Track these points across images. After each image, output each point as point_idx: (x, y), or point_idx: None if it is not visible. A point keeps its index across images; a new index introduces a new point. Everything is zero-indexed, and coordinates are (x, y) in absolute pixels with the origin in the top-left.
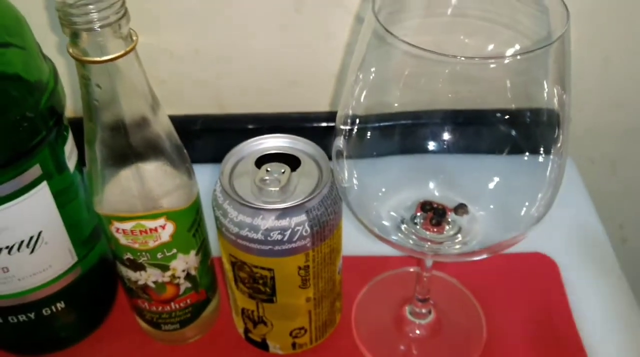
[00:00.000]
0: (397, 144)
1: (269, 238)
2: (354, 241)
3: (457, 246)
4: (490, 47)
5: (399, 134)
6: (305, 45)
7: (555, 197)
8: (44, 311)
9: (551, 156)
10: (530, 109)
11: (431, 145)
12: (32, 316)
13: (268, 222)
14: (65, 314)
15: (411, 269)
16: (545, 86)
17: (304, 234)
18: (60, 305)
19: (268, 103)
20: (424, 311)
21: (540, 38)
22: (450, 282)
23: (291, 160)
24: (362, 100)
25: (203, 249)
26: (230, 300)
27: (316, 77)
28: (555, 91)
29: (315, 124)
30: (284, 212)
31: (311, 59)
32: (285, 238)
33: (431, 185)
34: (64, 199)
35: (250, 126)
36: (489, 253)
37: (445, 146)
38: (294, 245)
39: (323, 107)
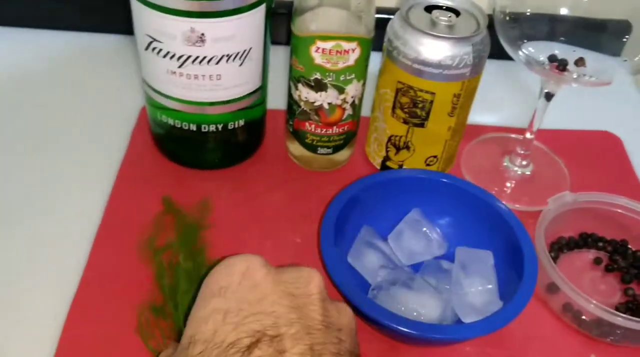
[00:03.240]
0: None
1: (441, 63)
2: None
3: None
4: None
5: None
6: None
7: None
8: (229, 125)
9: None
10: None
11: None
12: (220, 127)
13: (442, 49)
14: (241, 131)
15: (511, 135)
16: None
17: (468, 62)
18: (241, 122)
19: None
20: (524, 162)
21: None
22: (543, 148)
23: (453, 12)
24: None
25: (365, 85)
26: (374, 136)
27: None
28: None
29: None
30: (456, 42)
31: None
32: (454, 64)
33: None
34: (268, 26)
35: None
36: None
37: None
38: (457, 71)
39: None
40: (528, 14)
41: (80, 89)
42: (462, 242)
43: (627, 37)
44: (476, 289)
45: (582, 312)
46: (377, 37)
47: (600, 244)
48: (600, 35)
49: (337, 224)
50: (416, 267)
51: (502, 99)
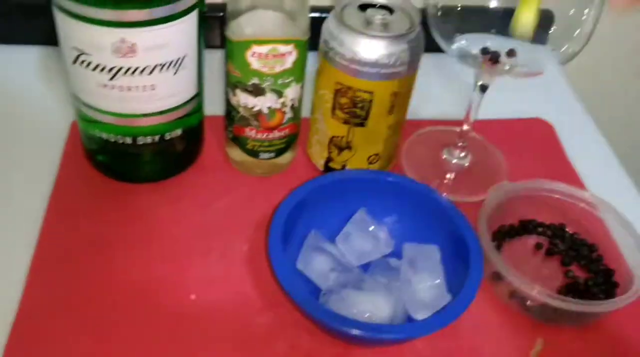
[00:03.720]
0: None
1: (377, 62)
2: None
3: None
4: None
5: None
6: None
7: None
8: (166, 135)
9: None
10: None
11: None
12: (156, 139)
13: (378, 48)
14: (179, 141)
15: (448, 128)
16: None
17: (404, 60)
18: (178, 132)
19: None
20: (462, 154)
21: None
22: (479, 139)
23: (387, 10)
24: None
25: (303, 86)
26: (316, 137)
27: None
28: None
29: None
30: (391, 40)
31: None
32: (390, 62)
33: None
34: (201, 33)
35: None
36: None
37: None
38: (394, 69)
39: None
40: (459, 8)
41: (1, 105)
42: (410, 239)
43: (554, 27)
44: (424, 285)
45: (527, 298)
46: (312, 37)
47: (540, 229)
48: None
49: (285, 231)
50: (365, 267)
51: (439, 93)
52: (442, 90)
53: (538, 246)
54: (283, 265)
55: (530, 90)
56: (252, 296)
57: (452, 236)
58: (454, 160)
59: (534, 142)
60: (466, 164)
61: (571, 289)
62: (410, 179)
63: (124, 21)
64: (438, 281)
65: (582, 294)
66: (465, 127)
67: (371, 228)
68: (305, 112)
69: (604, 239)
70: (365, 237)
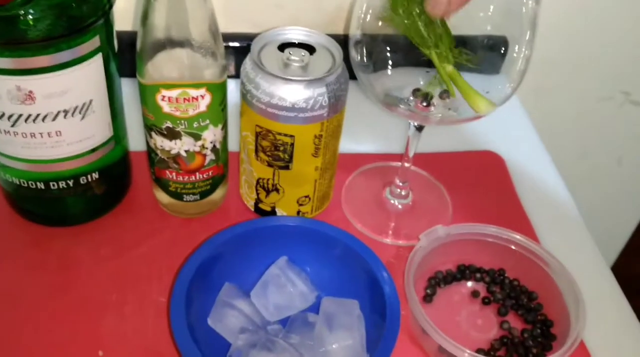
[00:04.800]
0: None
1: (295, 106)
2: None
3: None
4: None
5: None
6: None
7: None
8: (81, 179)
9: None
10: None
11: None
12: (70, 183)
13: (295, 92)
14: (97, 185)
15: (391, 163)
16: None
17: (323, 104)
18: (95, 175)
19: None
20: (403, 192)
21: None
22: (423, 174)
23: (308, 48)
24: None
25: (226, 127)
26: (244, 177)
27: None
28: None
29: None
30: (308, 84)
31: None
32: (309, 106)
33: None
34: (111, 75)
35: None
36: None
37: None
38: (314, 113)
39: None
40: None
41: None
42: (332, 291)
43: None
44: (338, 345)
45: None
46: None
47: (478, 275)
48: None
49: (197, 283)
50: (284, 322)
51: (383, 125)
52: (387, 121)
53: (474, 294)
54: (181, 328)
55: (484, 122)
56: (167, 354)
57: (372, 290)
58: (395, 201)
59: (483, 177)
60: (408, 203)
61: (505, 342)
62: (331, 226)
63: (16, 69)
64: (350, 342)
65: (516, 347)
66: (406, 164)
67: (289, 280)
68: (237, 149)
69: (544, 285)
70: (282, 290)
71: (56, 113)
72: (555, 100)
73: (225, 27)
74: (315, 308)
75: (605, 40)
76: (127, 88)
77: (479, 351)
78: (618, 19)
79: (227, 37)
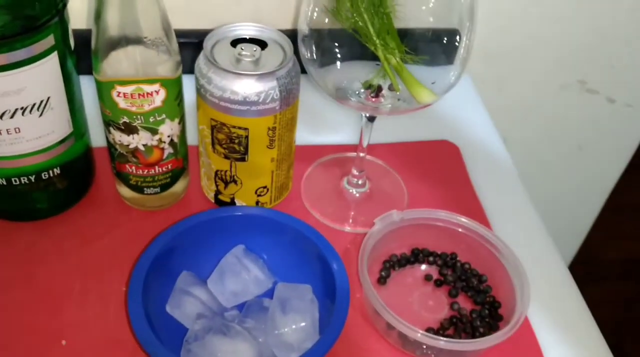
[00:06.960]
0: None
1: (247, 99)
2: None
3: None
4: None
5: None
6: None
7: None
8: (43, 175)
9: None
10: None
11: None
12: (32, 178)
13: (246, 86)
14: (59, 180)
15: (349, 154)
16: None
17: (275, 97)
18: (56, 171)
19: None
20: (360, 182)
21: None
22: (380, 164)
23: (260, 43)
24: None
25: (183, 121)
26: (203, 170)
27: None
28: None
29: None
30: (259, 78)
31: None
32: (260, 100)
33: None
34: (67, 72)
35: None
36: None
37: None
38: (266, 106)
39: None
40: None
41: None
42: (287, 277)
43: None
44: (290, 328)
45: (405, 334)
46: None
47: (431, 258)
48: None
49: (155, 272)
50: (241, 307)
51: (340, 116)
52: (346, 112)
53: (427, 277)
54: (138, 315)
55: (441, 112)
56: (128, 342)
57: (324, 274)
58: (353, 190)
59: (439, 165)
60: (365, 192)
61: (454, 322)
62: (285, 215)
63: None
64: (303, 324)
65: (465, 327)
66: (361, 154)
67: (244, 267)
68: (196, 142)
69: (494, 268)
70: (238, 276)
71: (14, 110)
72: (513, 89)
73: (184, 23)
74: (271, 294)
75: (558, 29)
76: (88, 85)
77: (428, 329)
78: (573, 4)
79: (186, 34)
